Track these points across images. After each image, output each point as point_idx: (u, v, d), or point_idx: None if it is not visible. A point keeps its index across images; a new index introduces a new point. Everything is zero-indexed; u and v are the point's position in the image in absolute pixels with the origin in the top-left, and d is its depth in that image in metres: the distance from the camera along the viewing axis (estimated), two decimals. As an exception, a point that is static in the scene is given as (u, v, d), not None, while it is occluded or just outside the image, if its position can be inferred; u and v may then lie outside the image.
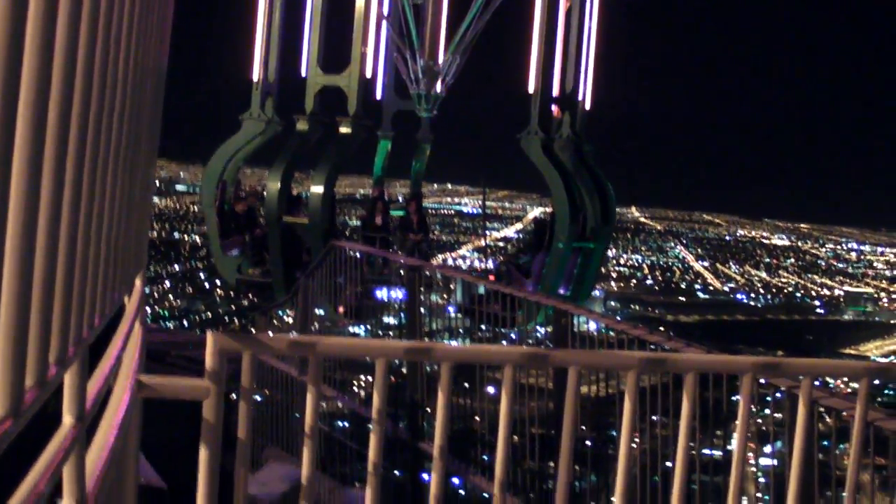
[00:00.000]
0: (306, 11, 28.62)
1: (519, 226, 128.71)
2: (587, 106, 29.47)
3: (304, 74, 28.50)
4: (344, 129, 28.27)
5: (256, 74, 28.85)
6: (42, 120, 2.04)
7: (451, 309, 21.56)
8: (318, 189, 28.00)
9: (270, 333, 21.70)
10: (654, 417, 10.87)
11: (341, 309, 21.62)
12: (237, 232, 28.87)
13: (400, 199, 34.89)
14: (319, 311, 19.53)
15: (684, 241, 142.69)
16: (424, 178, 32.97)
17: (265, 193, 28.69)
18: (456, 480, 14.09)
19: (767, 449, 10.82)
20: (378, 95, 30.39)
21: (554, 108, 29.21)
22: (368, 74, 28.27)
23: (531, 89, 28.74)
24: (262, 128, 28.76)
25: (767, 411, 10.73)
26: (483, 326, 16.94)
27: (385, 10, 28.57)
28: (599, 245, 29.44)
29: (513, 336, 17.20)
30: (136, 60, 3.31)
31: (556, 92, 29.06)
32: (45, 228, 2.15)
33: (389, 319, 21.11)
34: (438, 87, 29.70)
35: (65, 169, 2.29)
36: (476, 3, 29.05)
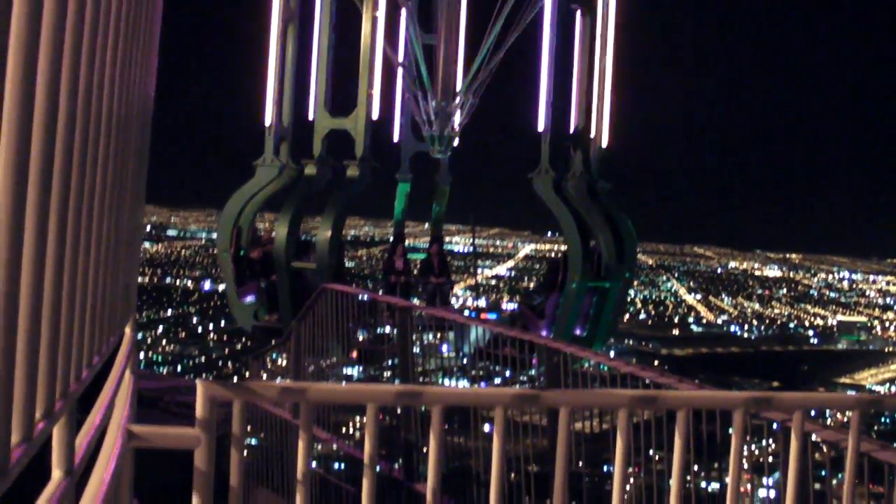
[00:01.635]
0: (312, 55, 28.61)
1: (511, 263, 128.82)
2: (603, 143, 29.34)
3: (311, 118, 28.49)
4: (351, 173, 28.25)
5: (269, 119, 28.73)
6: (24, 165, 2.04)
7: (444, 348, 21.53)
8: (325, 233, 27.95)
9: (264, 377, 21.67)
10: (650, 452, 10.86)
11: (354, 354, 21.53)
12: (253, 278, 28.77)
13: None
14: (310, 356, 19.49)
15: (676, 275, 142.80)
16: (443, 219, 32.70)
17: (274, 239, 28.61)
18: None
19: (766, 481, 10.81)
20: (396, 138, 30.35)
21: (572, 150, 29.10)
22: (375, 116, 28.21)
23: (541, 128, 28.68)
24: (276, 173, 28.65)
25: (764, 442, 10.73)
26: (496, 368, 16.80)
27: (400, 57, 28.56)
28: (615, 284, 29.16)
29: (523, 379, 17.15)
30: (120, 102, 3.31)
31: (566, 130, 28.99)
32: (29, 278, 2.14)
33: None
34: (456, 124, 29.52)
35: (48, 214, 2.29)
36: (487, 42, 28.96)
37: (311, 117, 28.46)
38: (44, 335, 2.32)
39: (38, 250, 2.19)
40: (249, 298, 28.76)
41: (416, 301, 29.09)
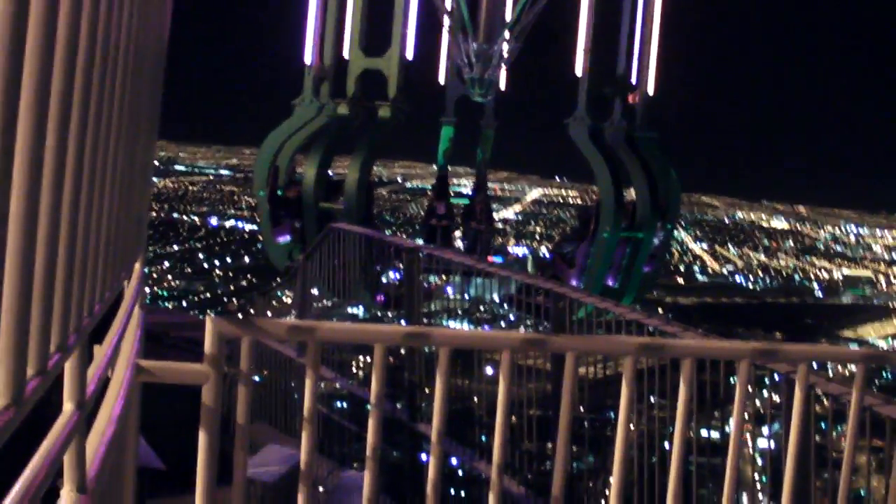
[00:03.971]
0: None
1: (518, 207, 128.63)
2: (650, 91, 28.94)
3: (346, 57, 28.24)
4: (382, 113, 28.03)
5: (308, 58, 28.42)
6: (43, 107, 2.05)
7: (449, 289, 21.54)
8: (353, 175, 27.78)
9: (269, 315, 21.73)
10: (651, 399, 10.91)
11: (380, 298, 21.48)
12: (288, 218, 28.66)
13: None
14: (315, 291, 19.51)
15: (682, 223, 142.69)
16: (488, 164, 32.27)
17: (303, 179, 28.42)
18: (454, 461, 14.12)
19: (765, 431, 10.86)
20: (441, 80, 30.08)
21: (630, 96, 28.76)
22: (410, 57, 27.97)
23: (579, 72, 28.32)
24: (315, 113, 28.39)
25: (765, 393, 10.76)
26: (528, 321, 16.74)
27: (448, 5, 28.20)
28: (649, 235, 28.79)
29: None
30: (135, 40, 3.31)
31: (608, 78, 28.66)
32: (46, 216, 2.16)
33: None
34: (503, 71, 29.12)
35: (66, 154, 2.30)
36: None
37: (345, 56, 28.23)
38: (59, 269, 2.34)
39: (55, 184, 2.21)
40: (284, 238, 28.70)
41: (459, 245, 29.07)
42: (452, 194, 31.06)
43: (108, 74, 2.80)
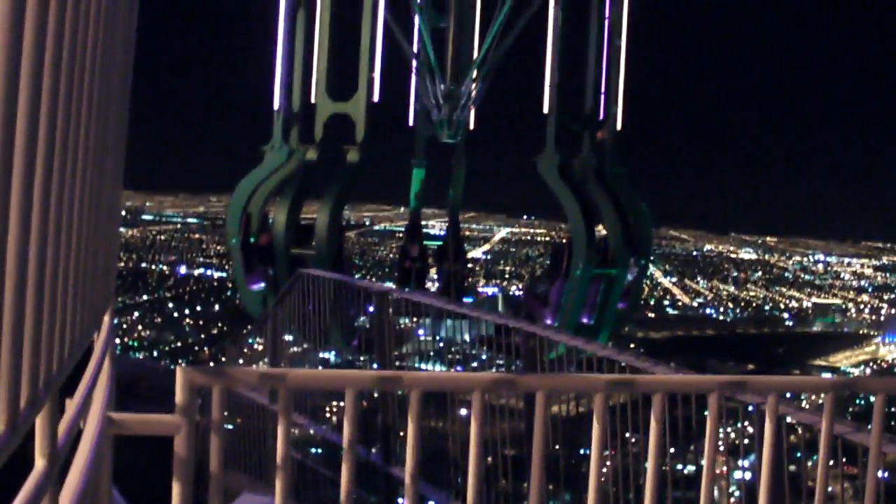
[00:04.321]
0: (314, 38, 28.29)
1: (486, 247, 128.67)
2: (618, 126, 28.92)
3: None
4: (351, 157, 28.01)
5: (277, 103, 28.40)
6: (7, 156, 2.05)
7: (420, 332, 21.51)
8: (323, 219, 27.72)
9: (241, 362, 21.65)
10: (626, 434, 10.91)
11: (355, 343, 21.38)
12: (262, 264, 28.55)
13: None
14: (288, 338, 19.46)
15: (651, 258, 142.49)
16: (460, 205, 32.10)
17: (273, 225, 28.35)
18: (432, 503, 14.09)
19: (742, 463, 10.87)
20: (410, 122, 30.06)
21: (599, 132, 28.71)
22: (376, 99, 27.97)
23: (546, 109, 28.32)
24: (286, 158, 28.32)
25: (739, 424, 10.79)
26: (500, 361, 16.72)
27: (414, 48, 28.26)
28: (622, 271, 28.68)
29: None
30: (98, 85, 3.32)
31: (576, 114, 28.68)
32: (13, 268, 2.16)
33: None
34: (471, 112, 29.09)
35: (31, 204, 2.30)
36: (495, 24, 28.52)
37: (312, 100, 28.24)
38: (27, 323, 2.34)
39: (21, 236, 2.21)
40: (258, 285, 28.58)
41: (432, 287, 29.00)
42: (425, 236, 31.04)
43: (73, 121, 2.80)
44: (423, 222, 31.99)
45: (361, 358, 22.23)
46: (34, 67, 2.23)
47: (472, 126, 29.96)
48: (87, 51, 3.03)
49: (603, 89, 28.96)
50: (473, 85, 28.78)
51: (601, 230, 29.12)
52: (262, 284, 28.47)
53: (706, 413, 5.09)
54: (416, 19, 28.41)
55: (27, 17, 2.14)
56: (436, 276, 30.11)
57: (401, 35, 28.41)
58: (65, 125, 2.68)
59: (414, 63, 28.71)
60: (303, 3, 28.47)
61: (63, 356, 2.92)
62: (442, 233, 32.73)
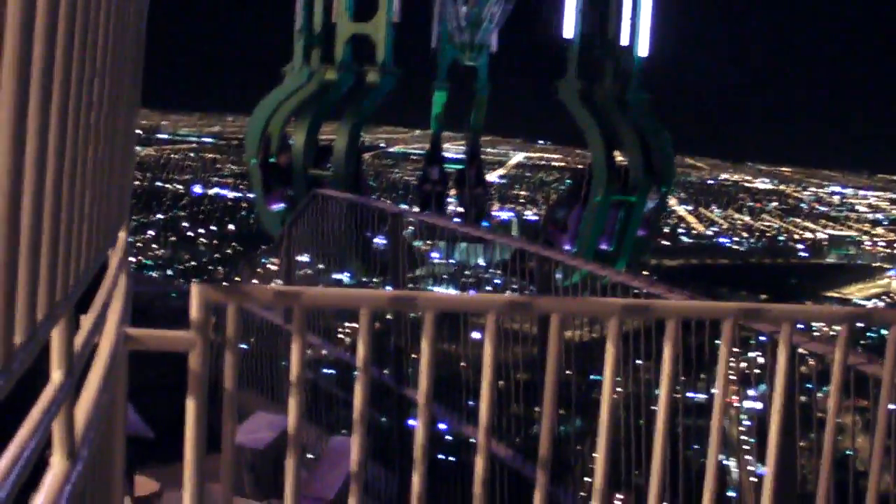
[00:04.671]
0: None
1: (502, 171, 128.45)
2: (643, 52, 28.69)
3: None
4: (371, 79, 27.91)
5: (298, 22, 28.22)
6: (25, 74, 2.05)
7: (434, 255, 21.53)
8: (341, 141, 27.72)
9: (255, 282, 21.74)
10: (638, 361, 10.95)
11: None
12: (281, 185, 28.56)
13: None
14: (303, 258, 19.52)
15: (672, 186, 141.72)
16: (482, 130, 31.90)
17: (292, 146, 28.35)
18: (443, 426, 14.18)
19: (752, 392, 10.91)
20: (432, 44, 29.88)
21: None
22: (397, 20, 27.76)
23: (569, 34, 28.13)
24: (305, 79, 28.21)
25: (752, 354, 10.81)
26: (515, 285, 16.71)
27: None
28: (642, 198, 28.64)
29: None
30: (115, 5, 3.30)
31: (600, 39, 28.47)
32: (31, 184, 2.16)
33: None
34: (493, 35, 28.88)
35: (48, 122, 2.30)
36: None
37: (332, 21, 28.08)
38: (44, 238, 2.34)
39: (39, 152, 2.21)
40: (278, 205, 28.60)
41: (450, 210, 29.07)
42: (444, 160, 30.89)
43: (90, 41, 2.79)
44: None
45: (374, 280, 22.28)
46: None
47: (494, 49, 29.76)
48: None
49: (630, 15, 28.71)
50: (496, 7, 28.57)
51: (620, 157, 29.02)
52: (282, 205, 28.45)
53: (717, 342, 5.09)
54: None
55: None
56: (455, 200, 30.09)
57: None
58: (81, 43, 2.66)
59: None
60: None
61: (79, 270, 2.93)
62: (458, 156, 32.61)
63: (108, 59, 3.22)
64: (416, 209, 26.73)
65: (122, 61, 3.70)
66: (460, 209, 29.99)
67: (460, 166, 30.53)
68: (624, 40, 28.73)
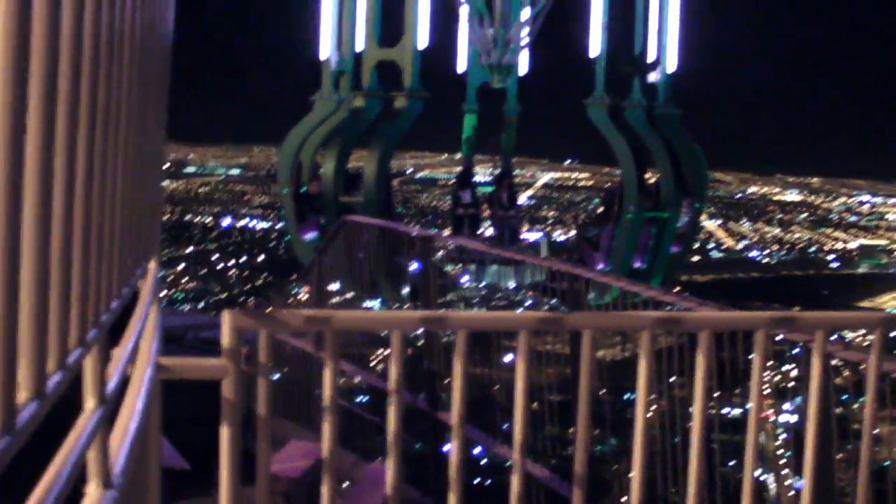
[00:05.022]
0: None
1: (530, 192, 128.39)
2: (671, 68, 28.66)
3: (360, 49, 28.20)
4: (399, 104, 28.01)
5: (325, 52, 28.35)
6: (51, 105, 2.06)
7: (464, 279, 21.51)
8: (371, 167, 27.81)
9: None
10: (671, 379, 10.91)
11: (405, 290, 21.49)
12: (313, 213, 28.65)
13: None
14: (334, 286, 19.54)
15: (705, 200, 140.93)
16: (512, 151, 31.88)
17: (322, 174, 28.44)
18: (478, 449, 14.14)
19: (788, 406, 10.86)
20: (461, 69, 29.94)
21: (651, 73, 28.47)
22: (424, 45, 27.88)
23: (595, 52, 28.14)
24: (335, 107, 28.35)
25: (786, 368, 10.76)
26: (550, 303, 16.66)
27: None
28: (674, 214, 28.55)
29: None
30: (139, 36, 3.32)
31: (627, 56, 28.46)
32: (60, 214, 2.18)
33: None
34: (523, 55, 28.89)
35: (76, 151, 2.31)
36: None
37: (359, 48, 28.21)
38: (75, 266, 2.36)
39: (67, 181, 2.23)
40: (311, 234, 28.67)
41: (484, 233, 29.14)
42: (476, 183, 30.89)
43: (115, 70, 2.81)
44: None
45: (406, 306, 22.29)
46: (75, 15, 2.24)
47: (522, 71, 29.76)
48: (128, 3, 3.03)
49: (656, 29, 28.70)
50: (524, 29, 28.60)
51: (650, 175, 28.99)
52: (315, 233, 28.51)
53: (751, 357, 5.07)
54: None
55: None
56: (489, 223, 30.10)
57: None
58: (106, 72, 2.68)
59: (462, 7, 28.59)
60: None
61: (110, 298, 2.95)
62: (488, 179, 32.67)
63: (134, 87, 3.25)
64: (446, 233, 26.75)
65: (147, 88, 3.73)
66: (493, 232, 30.02)
67: (491, 188, 30.55)
68: (651, 55, 28.72)
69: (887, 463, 8.52)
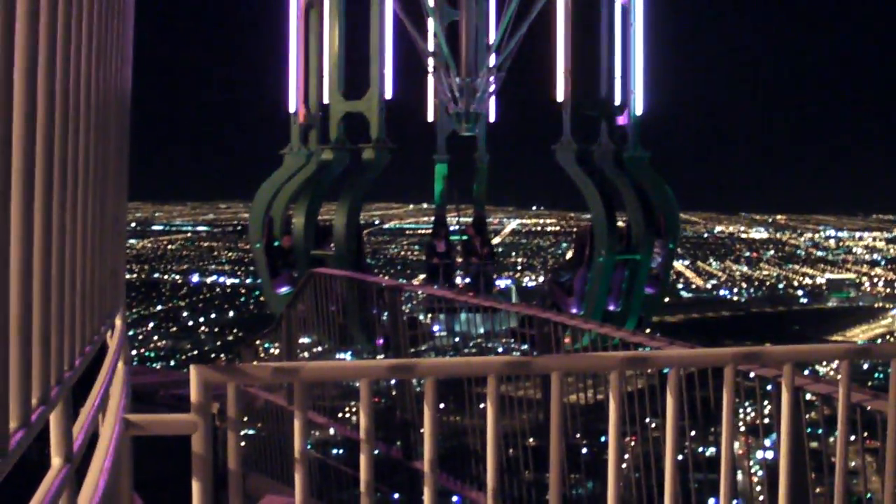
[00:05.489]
0: (323, 38, 28.34)
1: (497, 239, 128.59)
2: (638, 111, 28.79)
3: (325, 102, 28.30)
4: (367, 155, 28.08)
5: (293, 106, 28.48)
6: (6, 160, 2.06)
7: (435, 328, 21.48)
8: (341, 220, 27.82)
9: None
10: (645, 420, 10.89)
11: (380, 341, 21.41)
12: (286, 267, 28.63)
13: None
14: (305, 340, 19.48)
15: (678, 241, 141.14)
16: (485, 199, 31.83)
17: (292, 228, 28.46)
18: (455, 499, 14.08)
19: (767, 443, 10.85)
20: (430, 118, 30.00)
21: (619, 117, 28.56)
22: (389, 96, 27.97)
23: (560, 97, 28.22)
24: (304, 161, 28.44)
25: (758, 404, 10.76)
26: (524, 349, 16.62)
27: (428, 44, 28.24)
28: (646, 256, 28.58)
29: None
30: (95, 97, 3.32)
31: (592, 100, 28.53)
32: (19, 274, 2.17)
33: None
34: (484, 100, 28.95)
35: (33, 211, 2.31)
36: (507, 15, 28.35)
37: (325, 101, 28.30)
38: (35, 323, 2.34)
39: (25, 241, 2.22)
40: (284, 289, 28.61)
41: (459, 282, 29.07)
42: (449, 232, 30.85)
43: (71, 129, 2.81)
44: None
45: (379, 356, 22.22)
46: (28, 73, 2.24)
47: (492, 118, 29.86)
48: (83, 62, 3.03)
49: (618, 74, 28.85)
50: (489, 77, 28.71)
51: (621, 218, 29.02)
52: (288, 287, 28.47)
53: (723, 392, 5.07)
54: (430, 20, 28.41)
55: (17, 26, 2.14)
56: (463, 272, 30.05)
57: (413, 30, 28.42)
58: (62, 137, 2.68)
59: (428, 59, 28.70)
60: (316, 5, 28.44)
61: (73, 356, 2.93)
62: (457, 227, 32.61)
63: (91, 147, 3.24)
64: (416, 282, 26.75)
65: (106, 148, 3.72)
66: (469, 280, 29.98)
67: (466, 237, 30.54)
68: (617, 99, 28.86)
69: (869, 496, 8.51)
